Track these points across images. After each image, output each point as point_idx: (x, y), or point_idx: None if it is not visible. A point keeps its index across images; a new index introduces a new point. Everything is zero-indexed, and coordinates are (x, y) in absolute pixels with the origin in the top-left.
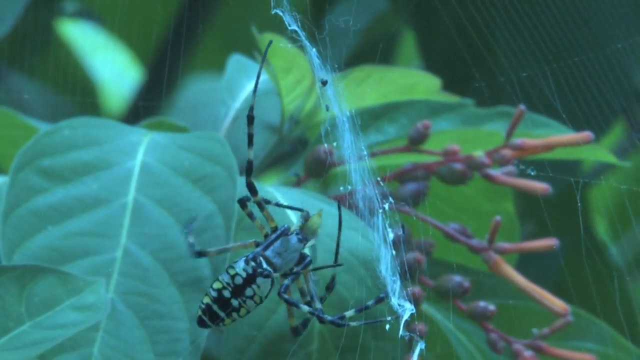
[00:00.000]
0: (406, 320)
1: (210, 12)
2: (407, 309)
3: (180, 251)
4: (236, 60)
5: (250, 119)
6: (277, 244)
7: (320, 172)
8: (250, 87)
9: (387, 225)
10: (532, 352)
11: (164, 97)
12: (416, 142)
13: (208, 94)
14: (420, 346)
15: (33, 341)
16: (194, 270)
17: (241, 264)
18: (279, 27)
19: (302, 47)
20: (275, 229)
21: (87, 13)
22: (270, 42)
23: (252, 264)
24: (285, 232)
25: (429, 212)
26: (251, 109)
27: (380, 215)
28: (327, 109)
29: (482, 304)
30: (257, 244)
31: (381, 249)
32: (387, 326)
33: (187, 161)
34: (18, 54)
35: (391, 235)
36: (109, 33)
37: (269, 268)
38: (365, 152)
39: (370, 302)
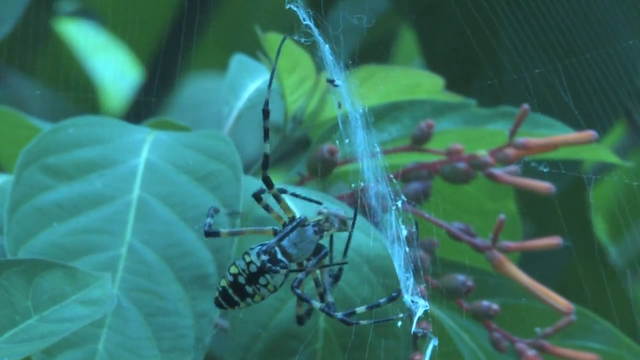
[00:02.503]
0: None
1: (211, 11)
2: (421, 306)
3: (185, 248)
4: (239, 60)
5: (266, 113)
6: (293, 234)
7: (323, 172)
8: (253, 87)
9: (400, 222)
10: (535, 351)
11: (164, 96)
12: (420, 141)
13: (208, 93)
14: (433, 343)
15: (39, 334)
16: (198, 267)
17: (256, 253)
18: (280, 26)
19: (314, 43)
20: (292, 220)
21: (87, 13)
22: (286, 36)
23: (266, 255)
24: (302, 223)
25: (432, 211)
26: (266, 103)
27: (393, 212)
28: (340, 107)
29: (485, 303)
30: (275, 232)
31: (394, 246)
32: (399, 323)
33: (191, 159)
34: (18, 54)
35: (404, 232)
36: (109, 33)
37: (284, 259)
38: (377, 149)
39: (382, 300)
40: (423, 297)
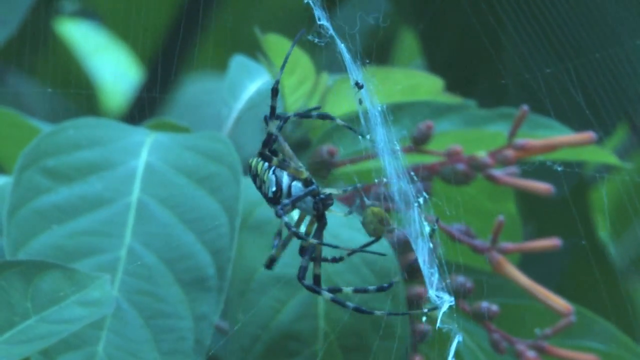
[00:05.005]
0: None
1: (211, 11)
2: (446, 301)
3: (185, 250)
4: (238, 62)
5: (275, 91)
6: (301, 196)
7: (323, 172)
8: (252, 88)
9: (423, 218)
10: (534, 352)
11: (164, 96)
12: (419, 142)
13: (208, 94)
14: (458, 339)
15: (38, 335)
16: (198, 269)
17: (274, 184)
18: (281, 27)
19: (318, 44)
20: (307, 182)
21: (87, 13)
22: (303, 31)
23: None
24: (315, 192)
25: (432, 212)
26: (277, 82)
27: (416, 209)
28: (360, 103)
29: (485, 304)
30: (305, 179)
31: (417, 242)
32: (424, 318)
33: (190, 161)
34: (18, 54)
35: (427, 229)
36: (109, 33)
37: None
38: (397, 147)
39: (371, 287)
40: (449, 292)
